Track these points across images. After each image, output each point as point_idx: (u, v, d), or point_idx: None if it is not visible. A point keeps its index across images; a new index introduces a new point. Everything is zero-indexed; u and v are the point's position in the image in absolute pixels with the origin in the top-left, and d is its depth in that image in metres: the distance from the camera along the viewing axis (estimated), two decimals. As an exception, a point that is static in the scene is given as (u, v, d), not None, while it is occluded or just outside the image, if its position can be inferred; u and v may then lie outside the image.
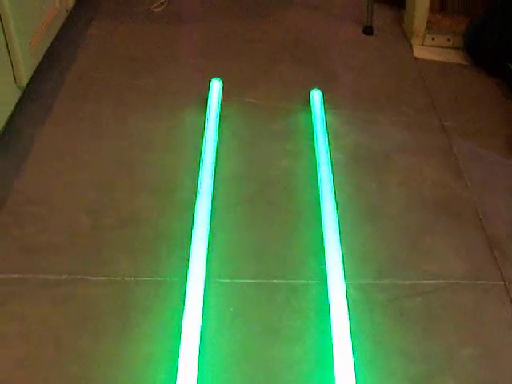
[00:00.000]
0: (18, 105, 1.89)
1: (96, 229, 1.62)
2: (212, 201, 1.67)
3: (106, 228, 1.62)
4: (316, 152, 1.88)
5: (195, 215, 1.59)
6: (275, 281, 1.52)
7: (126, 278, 1.49)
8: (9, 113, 1.83)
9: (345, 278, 1.47)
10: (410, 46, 2.61)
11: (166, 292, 1.46)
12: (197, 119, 1.99)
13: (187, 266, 1.46)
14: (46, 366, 1.30)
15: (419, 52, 2.57)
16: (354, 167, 1.90)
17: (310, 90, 2.13)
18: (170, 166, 1.84)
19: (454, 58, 2.56)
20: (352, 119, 2.12)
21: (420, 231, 1.70)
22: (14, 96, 1.87)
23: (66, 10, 2.29)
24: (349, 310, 1.40)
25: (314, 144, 1.93)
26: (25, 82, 1.89)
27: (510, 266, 1.62)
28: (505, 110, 2.25)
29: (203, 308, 1.39)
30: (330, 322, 1.38)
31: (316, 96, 2.10)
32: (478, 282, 1.57)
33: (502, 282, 1.57)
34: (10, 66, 1.81)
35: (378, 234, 1.67)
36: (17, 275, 1.49)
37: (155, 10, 2.66)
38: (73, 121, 1.99)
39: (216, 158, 1.82)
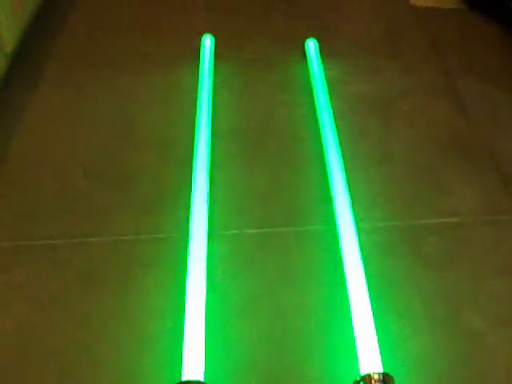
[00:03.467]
0: (5, 73, 1.82)
1: (94, 189, 1.56)
2: (212, 153, 1.60)
3: (104, 188, 1.56)
4: (316, 102, 1.80)
5: (194, 168, 1.52)
6: (282, 229, 1.46)
7: (126, 237, 1.43)
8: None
9: (356, 222, 1.40)
10: (406, -6, 2.52)
11: (168, 248, 1.40)
12: (191, 77, 1.90)
13: (189, 221, 1.39)
14: (49, 330, 1.25)
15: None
16: (357, 115, 1.83)
17: (305, 41, 2.05)
18: (166, 124, 1.77)
19: (451, 3, 2.48)
20: (351, 68, 2.03)
21: (430, 172, 1.63)
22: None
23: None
24: (362, 254, 1.33)
25: (313, 95, 1.85)
26: (9, 47, 1.81)
27: (527, 201, 1.55)
28: (505, 50, 2.16)
29: (208, 261, 1.32)
30: (343, 268, 1.31)
31: (311, 45, 2.01)
32: (494, 217, 1.50)
33: (520, 217, 1.50)
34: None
35: (387, 177, 1.60)
36: (14, 242, 1.43)
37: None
38: (66, 86, 1.91)
39: (213, 112, 1.74)
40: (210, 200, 1.47)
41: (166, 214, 1.48)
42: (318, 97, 1.80)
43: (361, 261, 1.31)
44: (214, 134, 1.67)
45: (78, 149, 1.68)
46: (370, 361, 1.12)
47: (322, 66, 1.94)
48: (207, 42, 2.00)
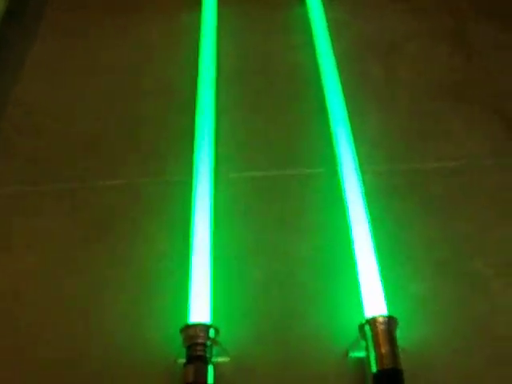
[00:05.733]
0: (6, 15, 1.82)
1: (100, 134, 1.56)
2: (216, 97, 1.59)
3: (112, 132, 1.57)
4: (317, 43, 1.78)
5: (198, 113, 1.52)
6: (286, 172, 1.46)
7: (134, 180, 1.45)
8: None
9: (358, 165, 1.40)
10: None
11: (175, 191, 1.41)
12: (193, 20, 1.86)
13: (195, 164, 1.40)
14: (57, 276, 1.26)
15: None
16: (359, 57, 1.79)
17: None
18: (170, 69, 1.75)
19: None
20: (353, 8, 1.98)
21: (434, 116, 1.61)
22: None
23: None
24: (365, 197, 1.33)
25: (314, 36, 1.82)
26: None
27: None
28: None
29: (214, 204, 1.32)
30: (345, 211, 1.31)
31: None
32: (500, 161, 1.49)
33: (527, 161, 1.50)
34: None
35: (390, 121, 1.59)
36: (23, 187, 1.44)
37: None
38: (67, 32, 1.89)
39: (216, 55, 1.72)
40: (215, 144, 1.47)
41: (171, 158, 1.50)
42: (319, 39, 1.78)
43: (364, 203, 1.31)
44: (218, 78, 1.66)
45: (83, 95, 1.67)
46: (375, 304, 1.13)
47: (323, 7, 1.90)
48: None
